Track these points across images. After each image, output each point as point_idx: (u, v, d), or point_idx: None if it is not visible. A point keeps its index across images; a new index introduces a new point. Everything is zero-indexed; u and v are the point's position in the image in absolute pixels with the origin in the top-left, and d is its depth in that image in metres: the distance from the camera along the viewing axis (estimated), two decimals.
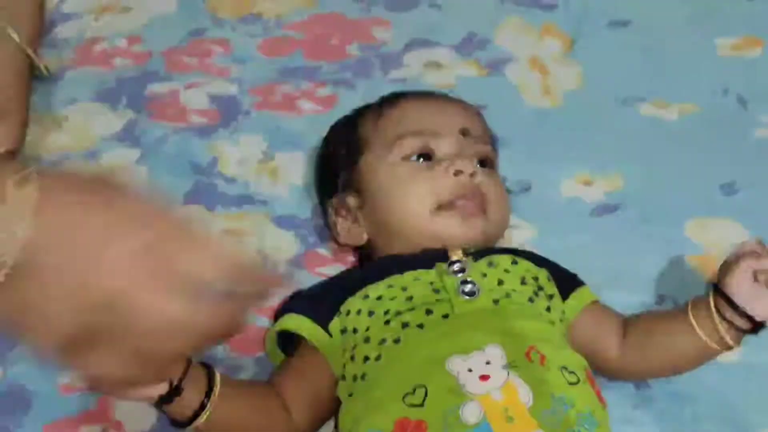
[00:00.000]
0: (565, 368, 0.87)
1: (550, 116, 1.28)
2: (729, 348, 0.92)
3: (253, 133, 1.27)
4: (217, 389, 0.85)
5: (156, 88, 1.35)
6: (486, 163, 1.05)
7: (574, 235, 1.14)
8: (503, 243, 1.11)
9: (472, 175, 1.00)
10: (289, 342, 0.98)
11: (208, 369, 0.86)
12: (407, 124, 1.05)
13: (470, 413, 0.81)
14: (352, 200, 1.07)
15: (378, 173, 1.04)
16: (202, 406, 0.84)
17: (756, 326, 0.91)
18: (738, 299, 0.90)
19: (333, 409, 0.94)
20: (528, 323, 0.91)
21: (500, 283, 0.94)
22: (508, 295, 0.93)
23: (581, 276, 1.05)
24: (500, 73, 1.34)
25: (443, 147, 1.03)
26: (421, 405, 0.83)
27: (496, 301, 0.92)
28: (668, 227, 1.14)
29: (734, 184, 1.18)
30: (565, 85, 1.32)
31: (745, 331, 0.92)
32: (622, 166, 1.21)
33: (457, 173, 1.00)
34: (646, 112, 1.28)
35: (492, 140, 1.12)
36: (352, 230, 1.07)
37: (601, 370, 0.96)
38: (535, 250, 1.11)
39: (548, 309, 0.95)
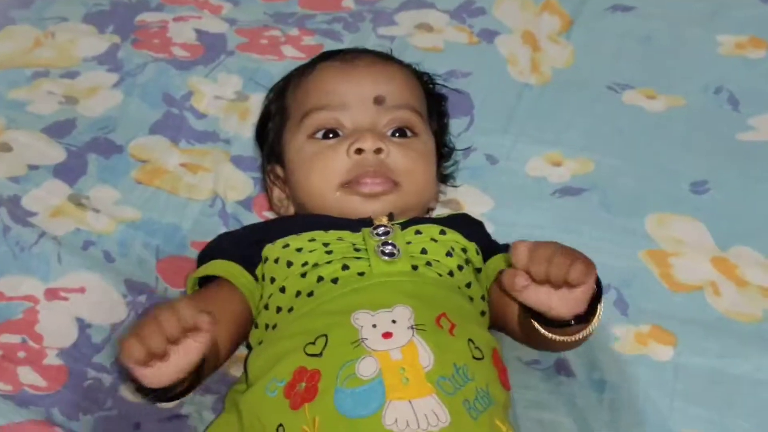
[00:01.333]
0: (472, 342, 0.84)
1: (533, 93, 1.25)
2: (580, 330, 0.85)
3: (232, 73, 1.26)
4: None
5: (146, 17, 1.34)
6: (405, 129, 1.01)
7: (531, 212, 1.11)
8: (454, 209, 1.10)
9: (377, 151, 0.97)
10: (208, 282, 0.96)
11: None
12: (315, 97, 1.01)
13: (366, 368, 0.79)
14: (279, 171, 1.05)
15: (290, 151, 1.02)
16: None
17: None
18: (536, 306, 0.83)
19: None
20: (444, 293, 0.88)
21: (423, 251, 0.91)
22: (428, 264, 0.90)
23: None
24: (491, 44, 1.31)
25: (352, 119, 0.99)
26: (320, 355, 0.81)
27: (415, 267, 0.90)
28: (629, 218, 1.10)
29: (706, 183, 1.14)
30: (555, 64, 1.28)
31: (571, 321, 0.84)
32: (595, 152, 1.17)
33: (359, 152, 0.97)
34: (630, 100, 1.24)
35: (426, 99, 1.07)
36: (283, 202, 1.05)
37: (511, 336, 0.94)
38: (489, 223, 1.09)
39: (469, 285, 0.92)
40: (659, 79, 1.26)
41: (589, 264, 0.81)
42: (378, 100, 1.00)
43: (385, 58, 1.09)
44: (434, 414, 0.77)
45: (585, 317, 0.84)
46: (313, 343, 0.82)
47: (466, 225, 0.99)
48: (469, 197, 1.13)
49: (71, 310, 1.00)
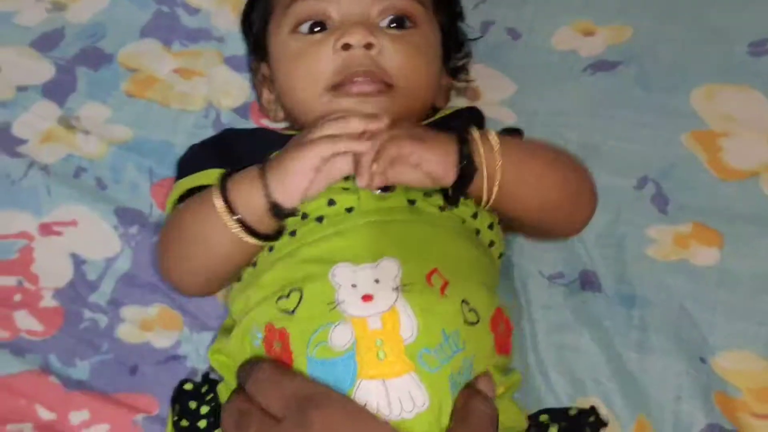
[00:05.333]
0: (467, 303, 0.73)
1: None
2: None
3: None
4: None
5: None
6: (403, 19, 0.86)
7: (558, 96, 0.98)
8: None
9: (368, 46, 0.83)
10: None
11: None
12: None
13: (339, 338, 0.70)
14: (265, 69, 0.93)
15: (274, 46, 0.89)
16: None
17: None
18: (418, 185, 0.76)
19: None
20: (442, 237, 0.76)
21: None
22: (428, 195, 0.78)
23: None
24: None
25: (340, 10, 0.85)
26: (292, 312, 0.72)
27: (412, 202, 0.78)
28: (671, 95, 0.95)
29: (767, 42, 0.97)
30: None
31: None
32: (634, 15, 1.01)
33: (347, 47, 0.83)
34: None
35: None
36: (271, 105, 0.94)
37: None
38: (509, 112, 0.97)
39: (476, 215, 0.80)
40: None
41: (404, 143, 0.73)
42: None
43: None
44: (410, 396, 0.68)
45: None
46: (287, 297, 0.73)
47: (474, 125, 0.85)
48: (487, 82, 1.00)
49: (66, 245, 0.96)
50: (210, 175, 0.84)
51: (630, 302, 0.84)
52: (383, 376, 0.68)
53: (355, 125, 0.74)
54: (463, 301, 0.72)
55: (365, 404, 0.67)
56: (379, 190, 0.77)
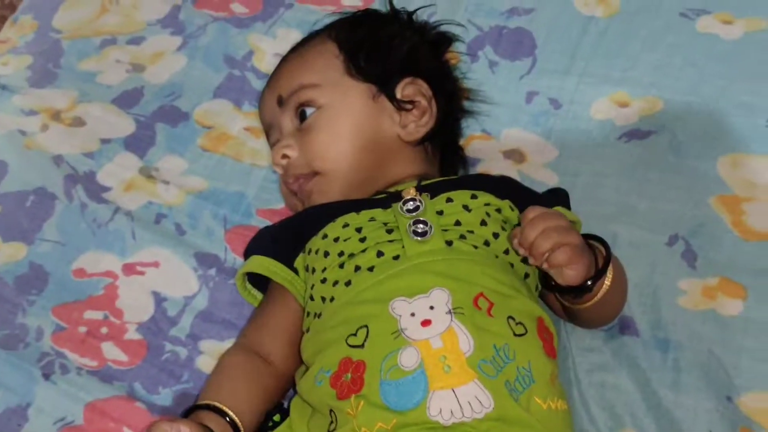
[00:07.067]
0: (512, 318, 0.83)
1: (599, 26, 1.18)
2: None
3: (291, 27, 1.25)
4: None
5: None
6: (304, 110, 1.00)
7: (596, 161, 1.08)
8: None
9: (285, 158, 1.00)
10: (260, 278, 0.97)
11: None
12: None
13: (407, 359, 0.80)
14: None
15: None
16: None
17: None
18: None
19: None
20: (481, 268, 0.86)
21: (457, 223, 0.90)
22: (463, 237, 0.89)
23: (590, 206, 1.01)
24: None
25: (279, 133, 1.03)
26: (362, 346, 0.82)
27: (449, 242, 0.88)
28: (699, 161, 1.05)
29: None
30: None
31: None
32: (664, 89, 1.12)
33: (276, 166, 1.02)
34: (705, 27, 1.16)
35: (344, 52, 1.02)
36: None
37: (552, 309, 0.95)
38: (552, 174, 1.08)
39: (507, 251, 0.89)
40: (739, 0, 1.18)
41: (573, 255, 0.83)
42: (279, 101, 1.03)
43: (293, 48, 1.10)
44: (477, 400, 0.77)
45: (589, 286, 0.85)
46: (355, 335, 0.83)
47: (493, 183, 0.97)
48: (532, 146, 1.11)
49: (147, 284, 1.05)
50: (253, 263, 0.96)
51: (665, 346, 0.93)
52: (452, 386, 0.78)
53: None
54: (508, 317, 0.83)
55: (440, 411, 0.77)
56: (419, 236, 0.88)
